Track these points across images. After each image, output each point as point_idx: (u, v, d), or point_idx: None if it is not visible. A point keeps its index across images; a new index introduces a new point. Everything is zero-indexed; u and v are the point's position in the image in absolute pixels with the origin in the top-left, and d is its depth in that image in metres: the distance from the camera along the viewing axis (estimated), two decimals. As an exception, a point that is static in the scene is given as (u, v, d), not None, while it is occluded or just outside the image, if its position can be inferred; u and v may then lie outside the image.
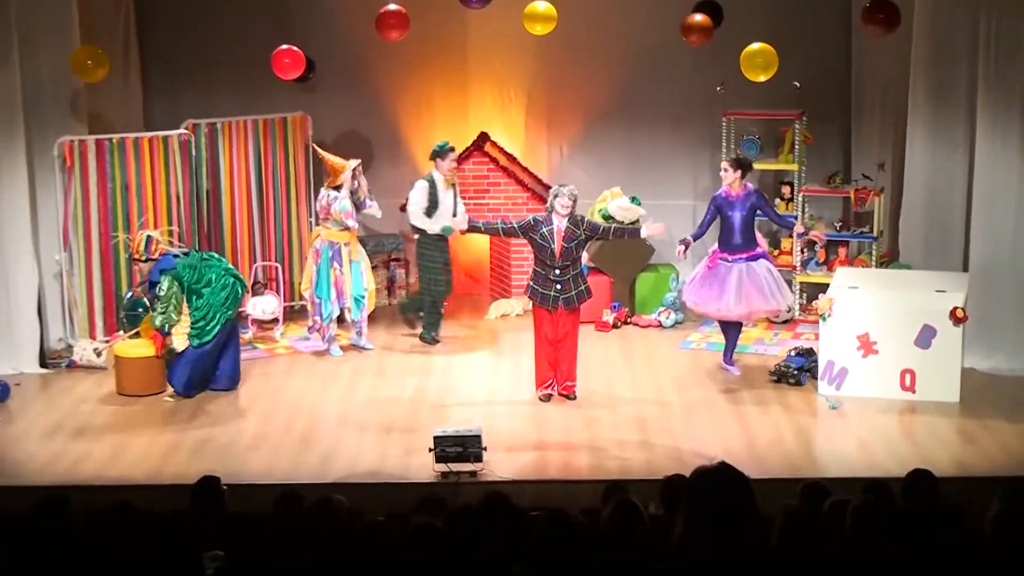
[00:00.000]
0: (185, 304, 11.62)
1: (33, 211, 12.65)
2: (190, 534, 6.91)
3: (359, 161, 12.97)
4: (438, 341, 13.26)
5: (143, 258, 11.64)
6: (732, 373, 12.22)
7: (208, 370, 11.85)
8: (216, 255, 12.31)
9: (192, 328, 11.66)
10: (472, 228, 11.72)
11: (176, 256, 11.76)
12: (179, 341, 11.65)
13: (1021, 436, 10.76)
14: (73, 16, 12.79)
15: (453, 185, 13.12)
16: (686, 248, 12.03)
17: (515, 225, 11.56)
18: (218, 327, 11.73)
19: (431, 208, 12.94)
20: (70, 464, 10.52)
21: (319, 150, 13.26)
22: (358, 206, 12.92)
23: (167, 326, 11.55)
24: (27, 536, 6.65)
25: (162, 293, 11.50)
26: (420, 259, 13.25)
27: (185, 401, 11.81)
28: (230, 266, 12.15)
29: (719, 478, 4.78)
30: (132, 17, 14.33)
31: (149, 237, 11.68)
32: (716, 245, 12.10)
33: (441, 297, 13.30)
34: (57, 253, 12.69)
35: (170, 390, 11.79)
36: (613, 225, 12.07)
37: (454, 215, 12.62)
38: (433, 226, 12.94)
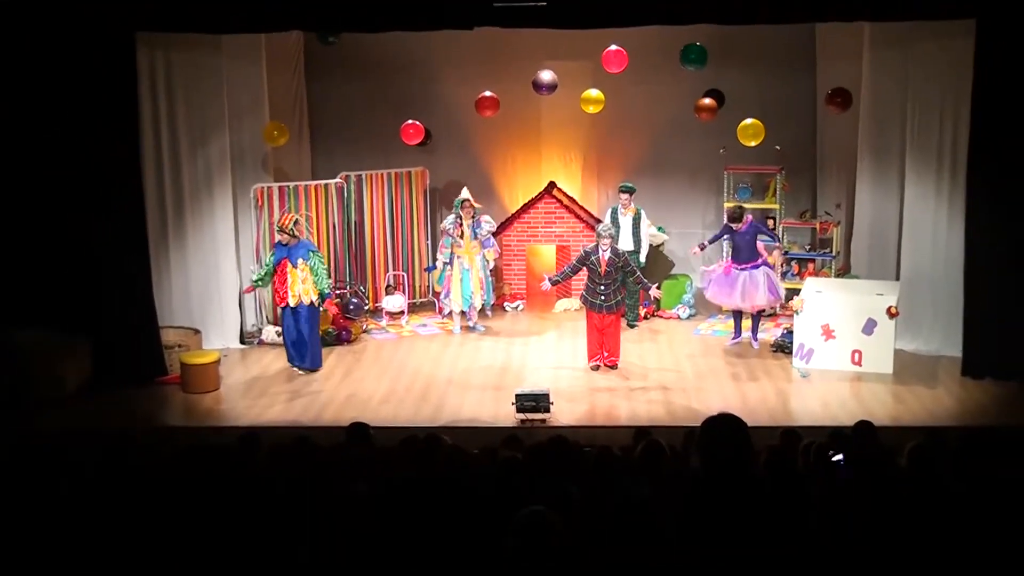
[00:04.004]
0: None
1: (236, 236, 12.76)
2: (346, 462, 6.95)
3: (460, 197, 12.95)
4: None
5: (289, 232, 11.35)
6: (754, 347, 12.24)
7: None
8: None
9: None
10: (555, 282, 11.78)
11: (311, 243, 11.69)
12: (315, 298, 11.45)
13: (935, 398, 10.65)
14: (264, 100, 12.91)
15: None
16: (701, 249, 12.37)
17: (576, 264, 11.58)
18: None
19: None
20: (259, 411, 10.63)
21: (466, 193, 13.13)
22: (475, 232, 12.95)
23: (328, 287, 11.43)
24: (230, 461, 6.73)
25: (322, 264, 11.37)
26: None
27: (337, 366, 11.86)
28: None
29: (725, 421, 4.77)
30: (304, 100, 14.43)
31: (297, 220, 11.58)
32: (729, 259, 12.20)
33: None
34: (252, 264, 12.79)
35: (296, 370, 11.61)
36: (638, 274, 11.75)
37: None
38: None
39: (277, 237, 11.58)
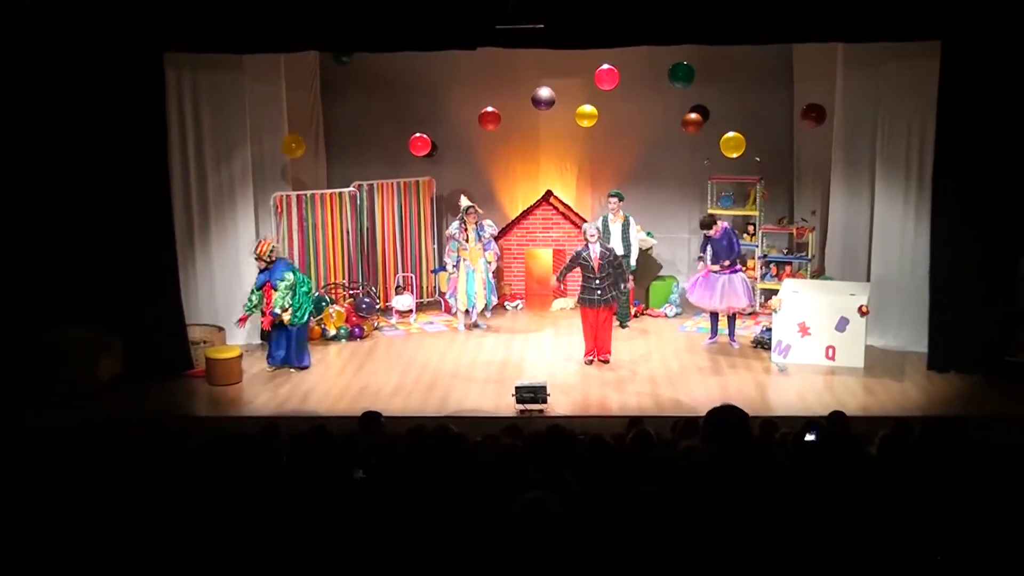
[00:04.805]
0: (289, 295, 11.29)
1: (257, 241, 12.74)
2: (359, 449, 6.99)
3: (464, 205, 13.01)
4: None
5: (267, 258, 11.26)
6: (734, 347, 12.19)
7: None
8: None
9: (294, 313, 11.32)
10: (560, 279, 12.10)
11: (288, 261, 11.59)
12: (287, 317, 11.28)
13: (902, 390, 10.67)
14: (283, 115, 12.95)
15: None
16: (699, 261, 12.31)
17: (571, 264, 11.64)
18: (309, 311, 11.58)
19: None
20: (279, 402, 10.68)
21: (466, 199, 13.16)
22: (479, 235, 12.95)
23: (280, 309, 11.20)
24: (252, 448, 6.78)
25: (288, 284, 11.17)
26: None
27: (350, 361, 11.89)
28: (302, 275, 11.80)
29: (729, 411, 4.89)
30: (320, 115, 14.46)
31: (273, 247, 11.43)
32: (709, 263, 12.11)
33: None
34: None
35: (266, 364, 11.58)
36: (622, 268, 11.88)
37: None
38: None
39: (256, 264, 11.47)
